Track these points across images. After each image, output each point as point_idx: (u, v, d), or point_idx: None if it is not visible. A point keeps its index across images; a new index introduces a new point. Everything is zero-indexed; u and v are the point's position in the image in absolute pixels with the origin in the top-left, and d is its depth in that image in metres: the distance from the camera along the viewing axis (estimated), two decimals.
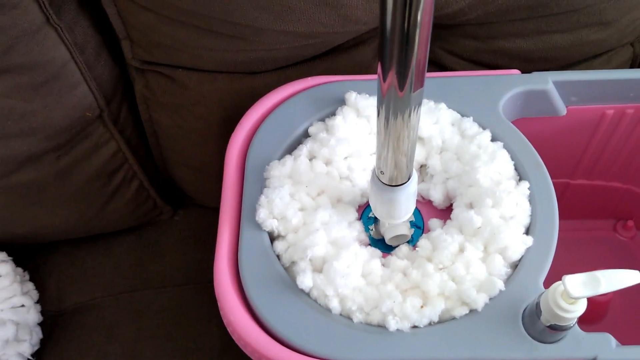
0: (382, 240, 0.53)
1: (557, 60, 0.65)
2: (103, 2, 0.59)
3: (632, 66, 0.73)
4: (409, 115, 0.41)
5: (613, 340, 0.46)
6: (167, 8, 0.57)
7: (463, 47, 0.65)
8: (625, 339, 0.73)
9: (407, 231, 0.53)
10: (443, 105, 0.57)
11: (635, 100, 0.61)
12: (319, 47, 0.63)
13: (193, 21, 0.58)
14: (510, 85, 0.58)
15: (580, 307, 0.42)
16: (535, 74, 0.59)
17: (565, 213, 0.79)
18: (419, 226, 0.55)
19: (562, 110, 0.61)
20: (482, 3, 0.59)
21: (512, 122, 0.61)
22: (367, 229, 0.54)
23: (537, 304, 0.44)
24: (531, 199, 0.52)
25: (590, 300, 0.73)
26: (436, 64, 0.67)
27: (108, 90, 0.66)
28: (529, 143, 0.55)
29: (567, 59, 0.66)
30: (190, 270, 0.78)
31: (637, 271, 0.41)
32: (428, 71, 0.62)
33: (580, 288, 0.40)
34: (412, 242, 0.53)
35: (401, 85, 0.38)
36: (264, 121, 0.57)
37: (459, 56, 0.66)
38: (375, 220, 0.54)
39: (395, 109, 0.40)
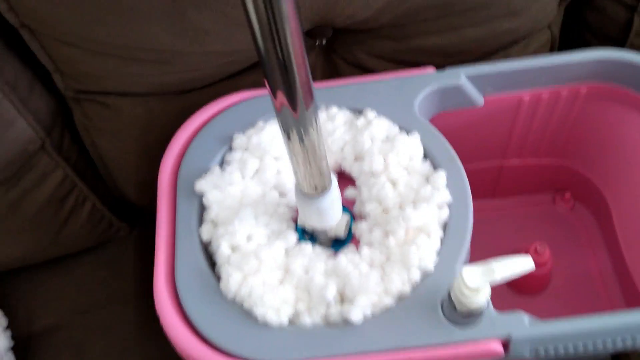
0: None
1: (474, 51, 0.68)
2: (27, 41, 0.61)
3: (551, 48, 0.76)
4: (309, 128, 0.44)
5: (526, 318, 0.50)
6: (87, 42, 0.60)
7: (382, 48, 0.68)
8: (568, 304, 0.77)
9: (343, 233, 0.56)
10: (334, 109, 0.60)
11: (547, 84, 0.64)
12: (243, 62, 0.65)
13: (114, 51, 0.60)
14: (424, 84, 0.61)
15: (483, 296, 0.45)
16: (448, 71, 0.62)
17: (504, 191, 0.83)
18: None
19: (480, 101, 0.64)
20: (389, 8, 0.61)
21: (433, 117, 0.65)
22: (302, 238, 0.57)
23: (449, 293, 0.47)
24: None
25: (531, 275, 0.77)
26: (359, 67, 0.69)
27: (47, 122, 0.68)
28: (443, 137, 0.58)
29: (484, 50, 0.69)
30: (152, 282, 0.80)
31: (529, 256, 0.44)
32: (351, 75, 0.65)
33: (477, 279, 0.43)
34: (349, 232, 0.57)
35: (292, 106, 0.41)
36: (191, 142, 0.60)
37: (380, 57, 0.69)
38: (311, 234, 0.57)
39: (294, 124, 0.43)
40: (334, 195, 0.51)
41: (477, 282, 0.43)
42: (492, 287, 0.46)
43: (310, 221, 0.53)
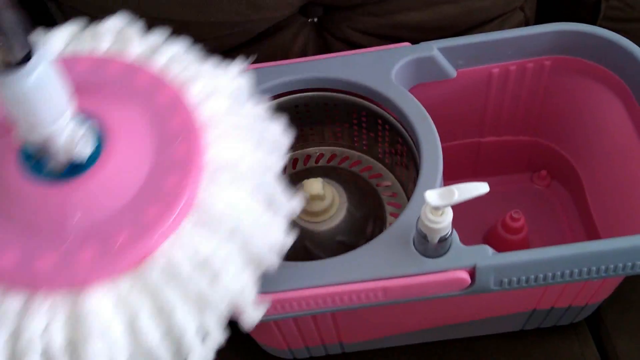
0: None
1: (450, 28, 0.75)
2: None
3: None
4: None
5: (490, 250, 0.55)
6: (102, 12, 0.67)
7: (366, 24, 0.75)
8: None
9: (74, 148, 0.38)
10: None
11: (514, 57, 0.70)
12: (241, 36, 0.72)
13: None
14: (400, 56, 0.67)
15: (446, 218, 0.50)
16: (422, 44, 0.68)
17: (484, 171, 0.88)
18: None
19: (452, 73, 0.70)
20: None
21: (411, 88, 0.71)
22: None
23: (417, 225, 0.53)
24: (420, 143, 0.62)
25: (509, 240, 0.81)
26: (346, 41, 0.76)
27: None
28: (416, 100, 0.64)
29: (459, 27, 0.76)
30: None
31: (485, 183, 0.49)
32: (337, 50, 0.72)
33: (438, 199, 0.48)
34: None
35: None
36: None
37: (365, 32, 0.76)
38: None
39: None
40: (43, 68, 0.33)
41: (439, 201, 0.48)
42: None
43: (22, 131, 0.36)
